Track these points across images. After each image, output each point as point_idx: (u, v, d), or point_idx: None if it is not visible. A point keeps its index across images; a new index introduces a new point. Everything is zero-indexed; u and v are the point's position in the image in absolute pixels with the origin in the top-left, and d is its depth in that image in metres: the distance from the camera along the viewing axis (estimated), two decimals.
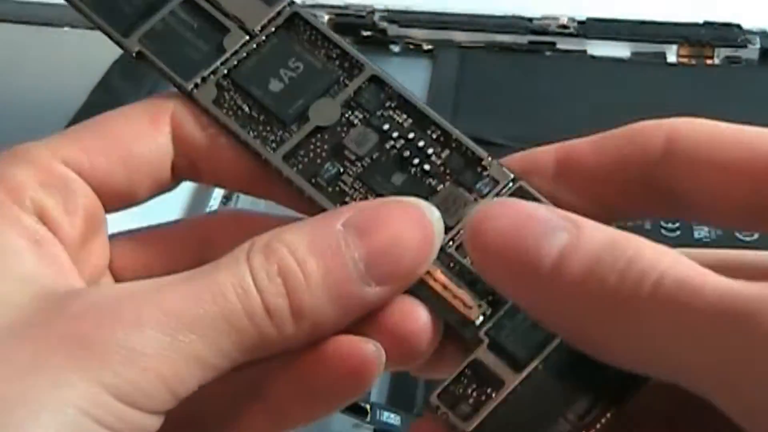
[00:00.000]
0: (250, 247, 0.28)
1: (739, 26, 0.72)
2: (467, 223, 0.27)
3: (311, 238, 0.28)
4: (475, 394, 0.28)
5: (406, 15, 0.75)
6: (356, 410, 0.52)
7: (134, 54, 0.32)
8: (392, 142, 0.31)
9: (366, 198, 0.31)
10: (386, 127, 0.31)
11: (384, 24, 0.74)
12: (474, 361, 0.28)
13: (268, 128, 0.32)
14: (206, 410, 0.29)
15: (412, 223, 0.29)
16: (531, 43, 0.74)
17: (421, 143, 0.31)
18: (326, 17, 0.75)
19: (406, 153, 0.31)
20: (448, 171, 0.31)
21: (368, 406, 0.53)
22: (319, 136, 0.32)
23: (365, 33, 0.75)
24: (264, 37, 0.33)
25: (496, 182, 0.30)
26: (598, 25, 0.73)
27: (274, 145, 0.31)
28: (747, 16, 0.72)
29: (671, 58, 0.72)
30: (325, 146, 0.31)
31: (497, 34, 0.74)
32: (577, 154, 0.30)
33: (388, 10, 0.75)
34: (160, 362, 0.26)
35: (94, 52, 0.71)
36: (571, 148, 0.30)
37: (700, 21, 0.72)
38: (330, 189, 0.31)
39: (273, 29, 0.33)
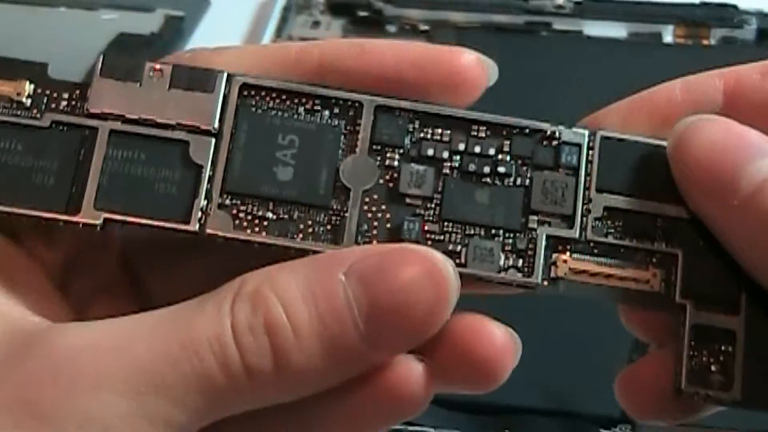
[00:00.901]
0: (237, 292, 0.25)
1: (735, 6, 0.72)
2: (673, 132, 0.27)
3: (307, 286, 0.25)
4: (715, 358, 0.27)
5: None
6: None
7: (101, 226, 0.27)
8: (449, 164, 0.29)
9: (465, 236, 0.28)
10: (431, 152, 0.29)
11: (380, 4, 0.74)
12: (693, 328, 0.27)
13: (310, 222, 0.28)
14: None
15: (425, 278, 0.26)
16: (527, 23, 0.73)
17: (477, 149, 0.29)
18: None
19: (471, 167, 0.29)
20: (522, 162, 0.29)
21: None
22: (368, 200, 0.28)
23: (361, 13, 0.75)
24: (231, 129, 0.28)
25: (578, 146, 0.29)
26: (595, 6, 0.73)
27: (330, 236, 0.28)
28: None
29: (667, 38, 0.72)
30: (383, 206, 0.28)
31: (493, 14, 0.74)
32: (746, 81, 0.28)
33: None
34: (122, 430, 0.23)
35: (91, 32, 0.71)
36: (739, 75, 0.28)
37: (697, 1, 0.72)
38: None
39: (233, 115, 0.28)
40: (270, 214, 0.28)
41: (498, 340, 0.27)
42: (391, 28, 0.75)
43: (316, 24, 0.73)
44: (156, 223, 0.27)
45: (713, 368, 0.27)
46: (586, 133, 0.29)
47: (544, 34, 0.74)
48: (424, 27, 0.75)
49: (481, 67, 0.29)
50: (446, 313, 0.26)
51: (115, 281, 0.31)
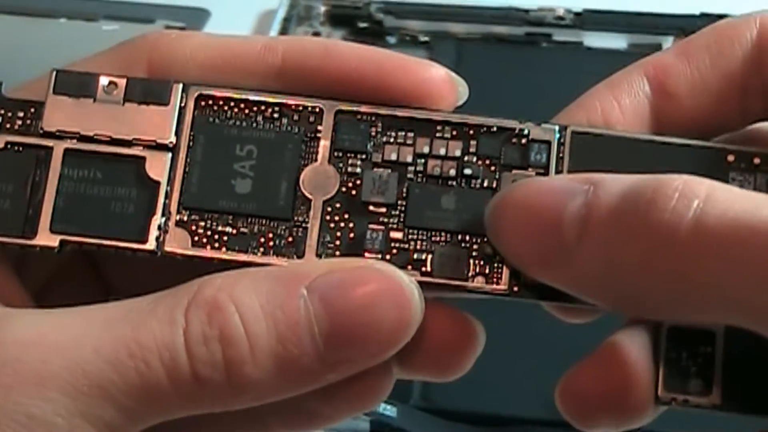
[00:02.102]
0: (193, 297, 0.24)
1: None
2: (485, 218, 0.26)
3: (268, 299, 0.24)
4: (693, 361, 0.26)
5: (402, 6, 0.74)
6: None
7: (57, 249, 0.27)
8: (413, 168, 0.28)
9: (430, 244, 0.27)
10: (393, 156, 0.28)
11: (380, 15, 0.74)
12: (670, 331, 0.27)
13: (270, 235, 0.27)
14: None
15: (387, 298, 0.25)
16: (527, 34, 0.74)
17: (442, 150, 0.28)
18: (323, 8, 0.75)
19: (436, 170, 0.28)
20: (490, 162, 0.28)
21: None
22: (330, 209, 0.27)
23: (361, 24, 0.75)
24: (188, 141, 0.27)
25: (547, 143, 0.28)
26: (595, 17, 0.73)
27: (292, 249, 0.27)
28: (743, 7, 0.72)
29: None
30: (346, 216, 0.27)
31: (494, 25, 0.74)
32: (667, 66, 0.28)
33: (384, 2, 0.74)
34: (63, 430, 0.23)
35: (91, 43, 0.71)
36: (658, 62, 0.28)
37: (697, 12, 0.72)
38: (389, 256, 0.27)
39: (190, 127, 0.28)
40: (229, 229, 0.27)
41: (464, 333, 0.27)
42: (392, 39, 0.75)
43: (316, 35, 0.73)
44: (112, 243, 0.26)
45: (692, 371, 0.26)
46: (556, 128, 0.28)
47: (544, 45, 0.74)
48: (424, 38, 0.75)
49: (448, 83, 0.28)
50: (408, 335, 0.25)
51: (75, 266, 0.30)
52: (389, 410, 0.54)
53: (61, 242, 0.27)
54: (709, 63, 0.28)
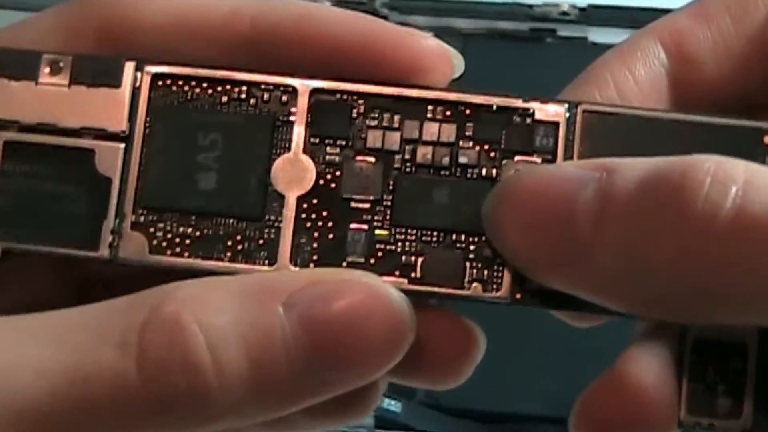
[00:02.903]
0: (151, 315, 0.21)
1: None
2: (483, 214, 0.24)
3: (239, 317, 0.21)
4: (722, 378, 0.23)
5: (407, 2, 0.74)
6: None
7: None
8: (400, 157, 0.24)
9: (421, 245, 0.24)
10: (378, 143, 0.24)
11: (385, 11, 0.74)
12: (695, 343, 0.23)
13: (239, 237, 0.24)
14: None
15: (377, 318, 0.22)
16: (532, 30, 0.73)
17: (433, 135, 0.24)
18: (328, 4, 0.75)
19: (427, 159, 0.24)
20: (489, 148, 0.24)
21: None
22: (306, 207, 0.24)
23: None
24: (143, 130, 0.24)
25: (555, 124, 0.24)
26: (599, 12, 0.73)
27: (265, 253, 0.24)
28: None
29: None
30: (324, 213, 0.24)
31: (498, 21, 0.74)
32: (683, 29, 0.26)
33: None
34: None
35: None
36: (673, 26, 0.26)
37: None
38: (373, 260, 0.24)
39: (145, 112, 0.24)
40: (192, 231, 0.24)
41: (465, 339, 0.25)
42: None
43: None
44: (61, 250, 0.23)
45: (719, 389, 0.23)
46: (565, 107, 0.24)
47: (548, 40, 0.74)
48: (429, 34, 0.74)
49: (442, 54, 0.25)
50: (399, 355, 0.22)
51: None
52: (394, 405, 0.54)
53: (3, 251, 0.23)
54: (732, 24, 0.25)
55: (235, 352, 0.21)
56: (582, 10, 0.73)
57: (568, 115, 0.24)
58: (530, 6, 0.73)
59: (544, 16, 0.73)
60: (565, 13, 0.73)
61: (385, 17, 0.74)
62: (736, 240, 0.20)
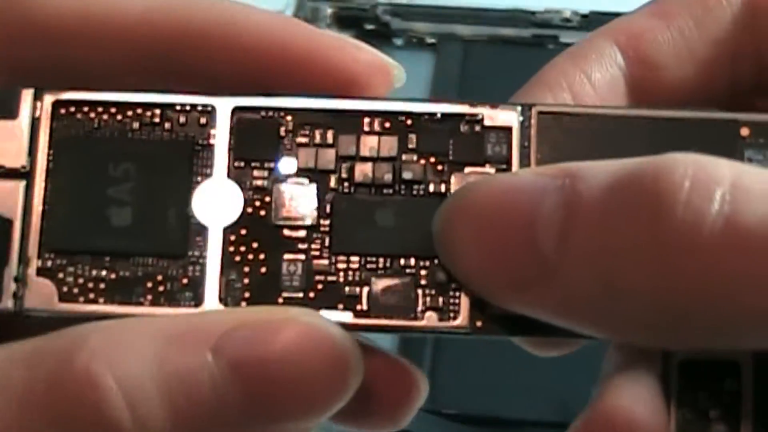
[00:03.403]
0: (58, 370, 0.18)
1: None
2: (434, 233, 0.21)
3: (161, 366, 0.18)
4: (715, 402, 0.21)
5: (409, 8, 0.74)
6: None
7: None
8: (336, 176, 0.22)
9: (365, 274, 0.22)
10: (310, 163, 0.22)
11: (387, 17, 0.74)
12: (682, 365, 0.21)
13: (160, 278, 0.21)
14: None
15: (318, 361, 0.20)
16: (534, 36, 0.73)
17: (372, 150, 0.22)
18: (329, 10, 0.75)
19: (367, 175, 0.22)
20: (436, 161, 0.22)
21: None
22: (233, 239, 0.22)
23: (368, 26, 0.75)
24: (48, 163, 0.22)
25: (507, 130, 0.22)
26: (601, 19, 0.72)
27: (190, 294, 0.21)
28: None
29: None
30: (255, 244, 0.22)
31: (500, 27, 0.74)
32: (641, 30, 0.24)
33: (391, 4, 0.74)
34: None
35: None
36: (629, 27, 0.24)
37: None
38: (313, 294, 0.22)
39: (47, 144, 0.22)
40: (107, 274, 0.21)
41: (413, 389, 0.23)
42: (398, 41, 0.75)
43: None
44: None
45: (712, 415, 0.21)
46: (518, 110, 0.22)
47: (551, 47, 0.74)
48: (431, 40, 0.75)
49: (382, 68, 0.23)
50: (345, 399, 0.20)
51: None
52: None
53: None
54: (694, 25, 0.23)
55: (159, 407, 0.18)
56: (584, 16, 0.73)
57: (521, 118, 0.22)
58: (532, 12, 0.73)
59: (546, 22, 0.73)
60: (567, 20, 0.73)
61: (386, 24, 0.74)
62: (726, 254, 0.18)
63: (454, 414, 0.54)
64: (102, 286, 0.21)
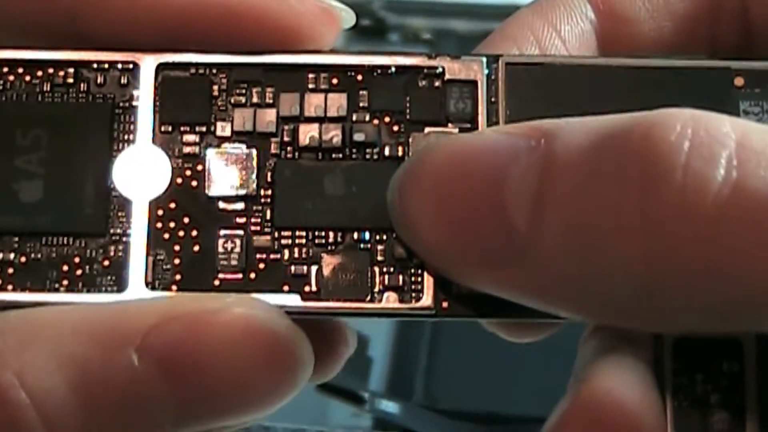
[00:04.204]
0: None
1: None
2: (389, 202, 0.18)
3: (79, 371, 0.16)
4: (715, 386, 0.18)
5: (404, 4, 0.74)
6: (355, 399, 0.52)
7: None
8: (277, 140, 0.19)
9: (313, 250, 0.19)
10: (248, 125, 0.19)
11: (382, 13, 0.74)
12: (676, 345, 0.18)
13: (77, 260, 0.19)
14: None
15: (258, 358, 0.17)
16: None
17: (318, 108, 0.19)
18: None
19: (313, 138, 0.19)
20: (391, 120, 0.19)
21: (367, 395, 0.53)
22: (161, 213, 0.19)
23: (363, 22, 0.75)
24: None
25: (472, 83, 0.20)
26: None
27: (112, 278, 0.19)
28: None
29: None
30: (186, 219, 0.19)
31: (496, 22, 0.73)
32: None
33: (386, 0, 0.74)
34: None
35: None
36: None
37: None
38: (254, 274, 0.19)
39: None
40: (16, 257, 0.19)
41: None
42: (394, 37, 0.75)
43: None
44: None
45: (712, 400, 0.18)
46: (483, 61, 0.20)
47: None
48: (426, 36, 0.75)
49: (325, 12, 0.20)
50: (291, 392, 0.18)
51: None
52: (392, 407, 0.54)
53: None
54: None
55: (82, 419, 0.16)
56: None
57: (487, 71, 0.20)
58: None
59: None
60: None
61: (382, 19, 0.74)
62: (732, 226, 0.15)
63: (450, 410, 0.53)
64: (10, 270, 0.18)
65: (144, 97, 0.19)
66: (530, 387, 0.52)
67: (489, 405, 0.54)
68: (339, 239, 0.19)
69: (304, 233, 0.19)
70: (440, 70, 0.20)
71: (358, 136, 0.19)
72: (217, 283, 0.19)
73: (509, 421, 0.53)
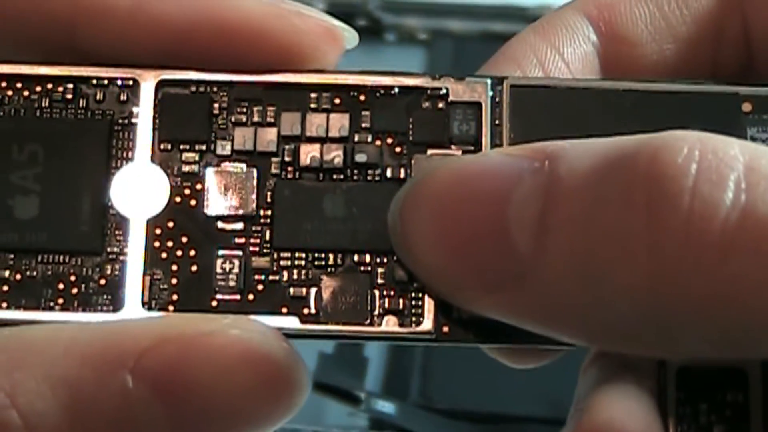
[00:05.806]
0: None
1: None
2: (391, 225, 0.18)
3: (73, 392, 0.16)
4: (719, 416, 0.18)
5: (401, 4, 0.74)
6: (351, 399, 0.52)
7: None
8: (278, 159, 0.19)
9: (312, 271, 0.19)
10: (248, 144, 0.19)
11: (379, 13, 0.74)
12: (680, 374, 0.18)
13: (73, 278, 0.18)
14: None
15: (251, 375, 0.17)
16: None
17: (320, 128, 0.19)
18: (321, 5, 0.74)
19: (314, 158, 0.19)
20: (393, 141, 0.19)
21: (363, 395, 0.53)
22: (159, 232, 0.19)
23: (359, 22, 0.75)
24: None
25: (476, 105, 0.19)
26: None
27: (107, 297, 0.18)
28: None
29: None
30: (184, 239, 0.19)
31: (492, 22, 0.74)
32: (616, 3, 0.21)
33: (382, 0, 0.74)
34: None
35: None
36: (609, 10, 0.21)
37: None
38: (252, 296, 0.19)
39: None
40: (10, 275, 0.18)
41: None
42: (390, 37, 0.75)
43: None
44: None
45: (716, 430, 0.18)
46: (487, 84, 0.19)
47: None
48: (423, 36, 0.75)
49: (328, 30, 0.20)
50: (287, 416, 0.17)
51: None
52: (387, 407, 0.54)
53: None
54: (675, 2, 0.21)
55: None
56: None
57: (491, 93, 0.19)
58: (524, 8, 0.73)
59: (537, 17, 0.73)
60: None
61: (378, 19, 0.74)
62: (741, 252, 0.15)
63: (445, 410, 0.54)
64: (5, 288, 0.18)
65: (143, 114, 0.19)
66: (525, 387, 0.52)
67: (484, 404, 0.54)
68: (339, 261, 0.19)
69: (303, 255, 0.19)
70: (444, 91, 0.19)
71: (360, 157, 0.19)
72: (214, 303, 0.19)
73: (504, 421, 0.53)
